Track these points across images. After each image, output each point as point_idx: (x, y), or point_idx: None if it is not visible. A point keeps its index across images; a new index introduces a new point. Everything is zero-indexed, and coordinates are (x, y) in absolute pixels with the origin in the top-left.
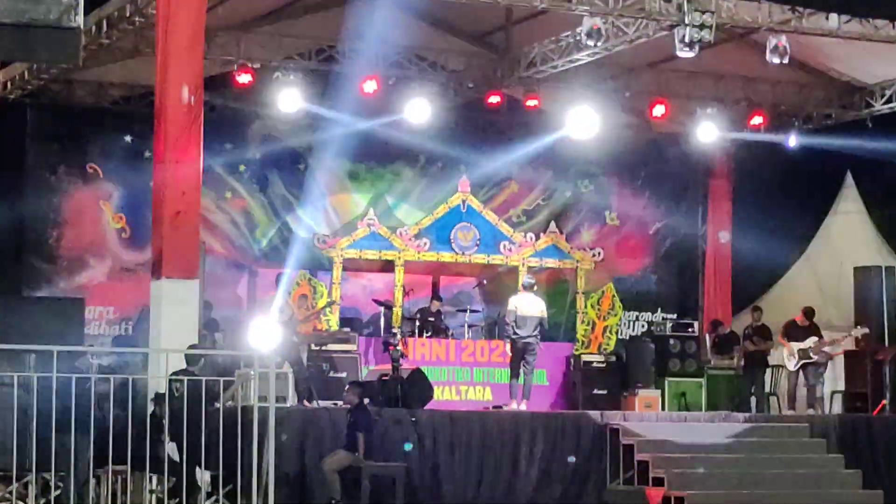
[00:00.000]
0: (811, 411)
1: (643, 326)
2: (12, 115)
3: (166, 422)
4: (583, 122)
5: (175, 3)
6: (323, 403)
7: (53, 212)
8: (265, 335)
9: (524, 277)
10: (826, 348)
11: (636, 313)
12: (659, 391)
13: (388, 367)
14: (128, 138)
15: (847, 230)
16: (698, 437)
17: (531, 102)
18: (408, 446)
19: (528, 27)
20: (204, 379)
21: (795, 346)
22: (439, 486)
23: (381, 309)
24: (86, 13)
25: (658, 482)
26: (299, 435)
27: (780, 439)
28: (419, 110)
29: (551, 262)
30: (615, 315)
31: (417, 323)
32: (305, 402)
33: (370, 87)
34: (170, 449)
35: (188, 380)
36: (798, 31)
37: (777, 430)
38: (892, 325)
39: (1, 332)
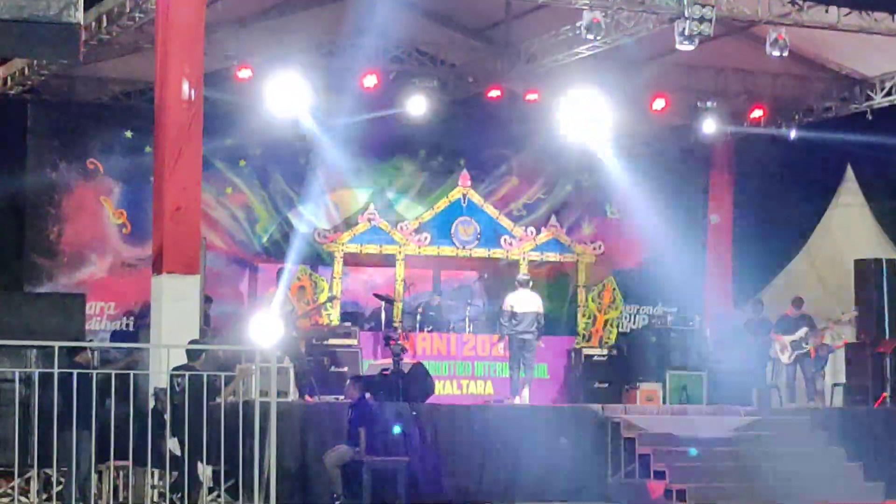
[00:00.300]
0: (812, 404)
1: (644, 320)
2: (13, 111)
3: (168, 417)
4: (582, 116)
5: None
6: (324, 398)
7: (54, 207)
8: (266, 330)
9: (520, 274)
10: (827, 339)
11: (637, 306)
12: (660, 384)
13: (389, 361)
14: (128, 134)
15: (847, 223)
16: (700, 430)
17: (531, 96)
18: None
19: (528, 21)
20: (205, 374)
21: (787, 338)
22: (440, 480)
23: (382, 303)
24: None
25: (659, 475)
26: (300, 430)
27: (781, 432)
28: (419, 105)
29: (552, 256)
30: (616, 308)
31: (418, 317)
32: (307, 397)
33: (370, 81)
34: (171, 444)
35: (189, 375)
36: (798, 24)
37: (778, 424)
38: (893, 317)
39: (2, 327)
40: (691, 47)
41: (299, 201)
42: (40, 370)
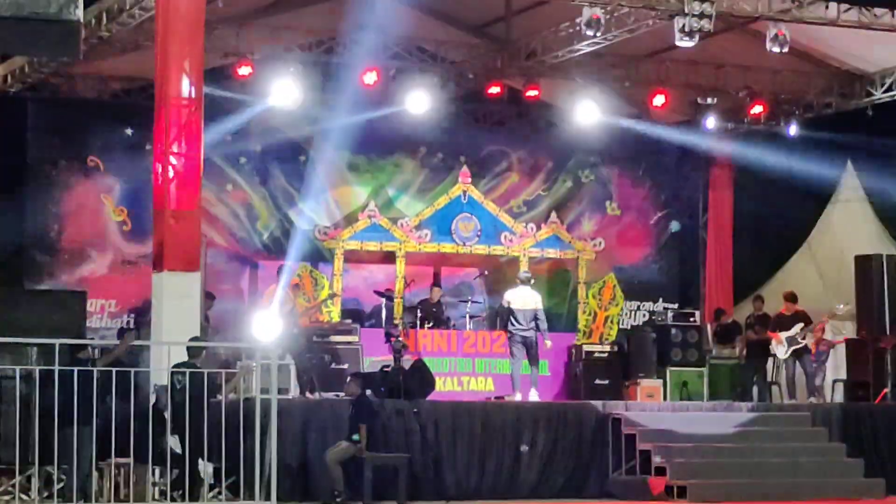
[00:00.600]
0: (813, 399)
1: (644, 316)
2: (13, 109)
3: (168, 414)
4: (583, 112)
5: None
6: (325, 395)
7: (54, 205)
8: (267, 327)
9: (521, 272)
10: (829, 335)
11: (637, 303)
12: (661, 381)
13: (389, 358)
14: (128, 131)
15: (848, 218)
16: (700, 426)
17: (531, 93)
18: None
19: (528, 17)
20: (206, 371)
21: (783, 334)
22: (441, 476)
23: (383, 300)
24: (85, 6)
25: (660, 472)
26: (301, 427)
27: (781, 428)
28: (419, 101)
29: (552, 253)
30: (616, 305)
31: (419, 314)
32: (307, 394)
33: (370, 78)
34: (172, 441)
35: (190, 372)
36: (798, 20)
37: (779, 420)
38: (893, 313)
39: (3, 325)
40: (691, 43)
41: (300, 198)
42: (41, 367)
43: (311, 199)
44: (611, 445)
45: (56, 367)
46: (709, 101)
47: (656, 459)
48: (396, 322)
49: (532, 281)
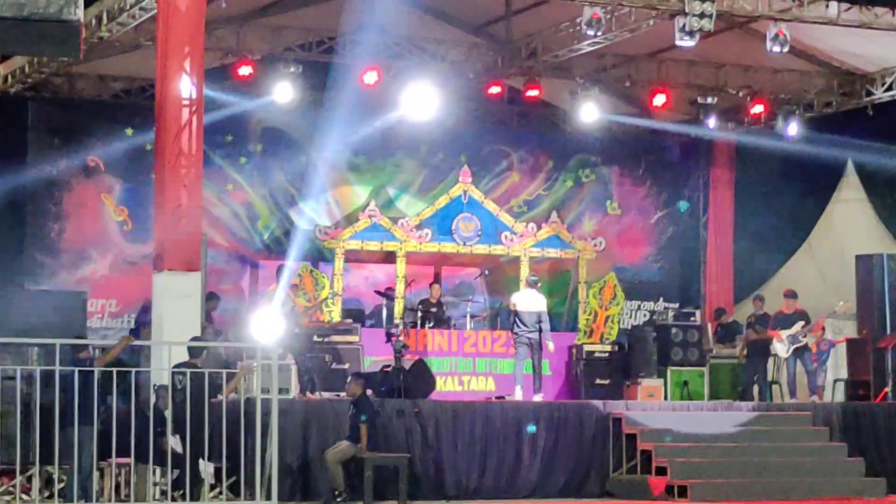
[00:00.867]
0: (814, 399)
1: (645, 316)
2: (13, 109)
3: (169, 414)
4: (583, 112)
5: None
6: (325, 395)
7: (55, 205)
8: (268, 327)
9: (529, 275)
10: (829, 335)
11: (638, 303)
12: (661, 380)
13: (390, 358)
14: (129, 131)
15: (848, 218)
16: (701, 426)
17: (532, 92)
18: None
19: (528, 17)
20: (207, 371)
21: (783, 333)
22: (442, 476)
23: (384, 300)
24: (86, 6)
25: (661, 471)
26: (302, 426)
27: (782, 428)
28: (420, 101)
29: (553, 253)
30: (617, 305)
31: (419, 314)
32: (308, 394)
33: (371, 78)
34: (173, 441)
35: (191, 372)
36: (798, 20)
37: (780, 419)
38: (894, 312)
39: (3, 325)
40: (692, 43)
41: (300, 198)
42: (42, 368)
43: (312, 199)
44: (611, 445)
45: (57, 368)
46: (709, 100)
47: (657, 459)
48: (397, 322)
49: (539, 284)
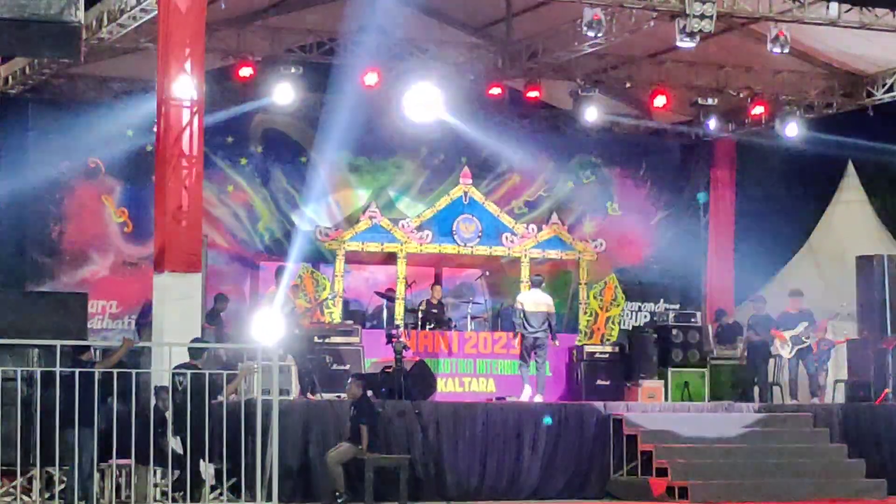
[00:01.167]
0: (815, 400)
1: (646, 317)
2: (14, 110)
3: (170, 415)
4: (584, 113)
5: None
6: (326, 396)
7: (56, 206)
8: (268, 328)
9: (532, 275)
10: (830, 335)
11: (639, 304)
12: (662, 381)
13: (390, 359)
14: (129, 132)
15: (849, 219)
16: (701, 427)
17: (532, 94)
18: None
19: (528, 18)
20: (207, 372)
21: (787, 333)
22: (443, 477)
23: (384, 301)
24: (86, 8)
25: (661, 472)
26: (303, 428)
27: (783, 429)
28: (420, 102)
29: (553, 254)
30: (618, 306)
31: (420, 315)
32: (308, 395)
33: (371, 79)
34: (174, 442)
35: (191, 373)
36: (799, 21)
37: (780, 420)
38: (894, 313)
39: (4, 326)
40: (692, 44)
41: (301, 199)
42: (42, 369)
43: (313, 201)
44: (612, 446)
45: (57, 369)
46: (710, 101)
47: (658, 460)
48: (398, 323)
49: (543, 283)
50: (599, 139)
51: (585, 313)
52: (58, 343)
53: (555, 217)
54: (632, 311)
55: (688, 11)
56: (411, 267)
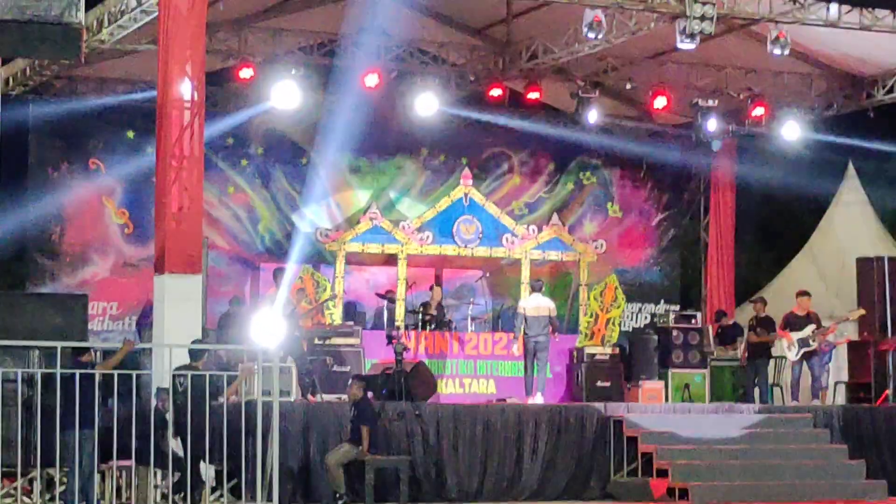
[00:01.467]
0: (816, 402)
1: (646, 318)
2: (15, 111)
3: (170, 417)
4: (583, 114)
5: None
6: (326, 397)
7: (56, 208)
8: (269, 330)
9: (532, 280)
10: (830, 337)
11: (639, 305)
12: (662, 383)
13: (391, 360)
14: (130, 134)
15: (849, 221)
16: (702, 428)
17: (533, 95)
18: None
19: (529, 19)
20: (208, 374)
21: (795, 335)
22: (443, 479)
23: (385, 302)
24: (87, 9)
25: (662, 473)
26: (303, 429)
27: (783, 430)
28: (421, 104)
29: (554, 255)
30: (618, 307)
31: (420, 316)
32: (309, 397)
33: (372, 80)
34: (174, 444)
35: (192, 375)
36: (799, 22)
37: (781, 421)
38: (895, 315)
39: (5, 328)
40: (692, 46)
41: (301, 200)
42: (43, 370)
43: (313, 202)
44: (612, 447)
45: (58, 370)
46: (710, 103)
47: (658, 462)
48: (398, 324)
49: (543, 288)
50: (600, 140)
51: (586, 314)
52: (58, 344)
53: (555, 218)
54: (632, 313)
55: (688, 13)
56: (412, 268)
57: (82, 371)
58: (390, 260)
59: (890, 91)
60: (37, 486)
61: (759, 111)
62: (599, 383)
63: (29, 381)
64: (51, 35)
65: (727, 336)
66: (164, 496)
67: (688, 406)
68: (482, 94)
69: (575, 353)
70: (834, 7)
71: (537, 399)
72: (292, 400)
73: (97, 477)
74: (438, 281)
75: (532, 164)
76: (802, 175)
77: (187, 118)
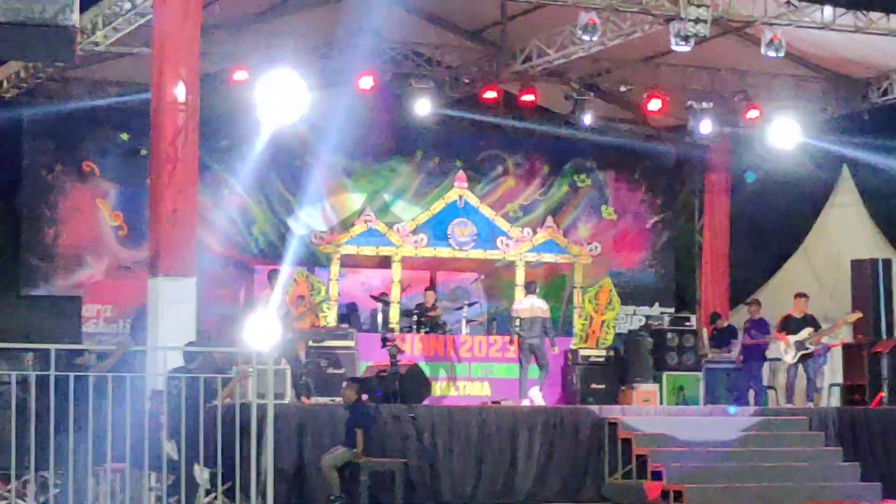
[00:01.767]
0: (811, 404)
1: (641, 320)
2: (8, 114)
3: (164, 419)
4: (579, 117)
5: (171, 0)
6: (321, 400)
7: (50, 210)
8: (263, 332)
9: (527, 282)
10: (825, 339)
11: (634, 307)
12: (657, 385)
13: (385, 362)
14: (124, 136)
15: (843, 223)
16: (696, 430)
17: (527, 97)
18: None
19: (523, 22)
20: (202, 376)
21: (792, 338)
22: (438, 481)
23: (379, 305)
24: (81, 12)
25: (656, 476)
26: (297, 432)
27: (778, 432)
28: (415, 106)
29: (548, 257)
30: (613, 309)
31: (415, 318)
32: (303, 399)
33: (366, 83)
34: (169, 447)
35: (186, 377)
36: (793, 25)
37: (775, 424)
38: (889, 317)
39: None
40: (687, 48)
41: (296, 203)
42: (37, 373)
43: (308, 204)
44: (607, 450)
45: (52, 373)
46: (704, 105)
47: (653, 464)
48: (392, 327)
49: (538, 290)
50: (594, 143)
51: (580, 317)
52: (52, 347)
53: (550, 221)
54: (627, 315)
55: (682, 15)
56: (406, 271)
57: (76, 374)
58: (385, 262)
59: (884, 93)
60: (31, 489)
61: (753, 113)
62: (594, 386)
63: (23, 383)
64: (45, 37)
65: (722, 338)
66: (159, 499)
67: (682, 408)
68: (477, 97)
69: (570, 356)
70: (828, 9)
71: (536, 398)
72: (287, 402)
73: (91, 480)
74: (433, 283)
75: (527, 167)
76: (797, 177)
77: (181, 120)
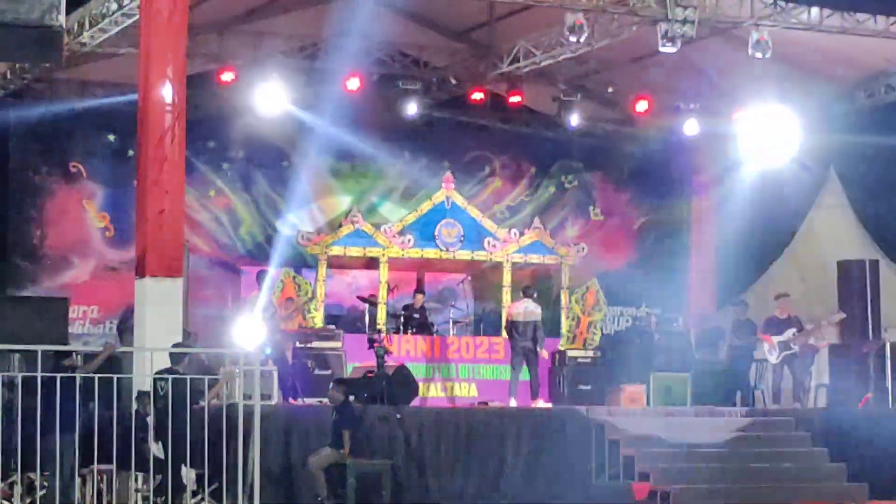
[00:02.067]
0: (797, 405)
1: (628, 321)
2: None
3: (151, 420)
4: (565, 118)
5: (158, 1)
6: (308, 401)
7: (37, 211)
8: (250, 333)
9: (524, 286)
10: (811, 340)
11: (621, 308)
12: (644, 386)
13: (372, 363)
14: (111, 137)
15: (830, 224)
16: (683, 431)
17: (514, 98)
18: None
19: (510, 23)
20: (189, 377)
21: (775, 339)
22: (425, 482)
23: (366, 306)
24: (68, 12)
25: (644, 477)
26: (284, 433)
27: (765, 433)
28: (403, 107)
29: (535, 258)
30: (600, 310)
31: (402, 319)
32: (290, 400)
33: (353, 84)
34: (155, 448)
35: (173, 378)
36: (780, 25)
37: (762, 425)
38: (876, 318)
39: None
40: (674, 49)
41: (283, 204)
42: (23, 374)
43: (295, 205)
44: (594, 451)
45: (39, 374)
46: (691, 106)
47: (640, 465)
48: (380, 328)
49: (534, 294)
50: (581, 144)
51: (568, 318)
52: (39, 348)
53: (537, 221)
54: (614, 316)
55: (669, 16)
56: (393, 271)
57: (63, 375)
58: (372, 263)
59: (872, 95)
60: (17, 490)
61: (739, 114)
62: (581, 387)
63: (9, 384)
64: (31, 38)
65: (709, 339)
66: (146, 500)
67: (669, 409)
68: (464, 98)
69: (557, 357)
70: (815, 10)
71: (537, 405)
72: (273, 403)
73: (78, 481)
74: (421, 285)
75: (514, 168)
76: (784, 178)
77: (168, 121)
